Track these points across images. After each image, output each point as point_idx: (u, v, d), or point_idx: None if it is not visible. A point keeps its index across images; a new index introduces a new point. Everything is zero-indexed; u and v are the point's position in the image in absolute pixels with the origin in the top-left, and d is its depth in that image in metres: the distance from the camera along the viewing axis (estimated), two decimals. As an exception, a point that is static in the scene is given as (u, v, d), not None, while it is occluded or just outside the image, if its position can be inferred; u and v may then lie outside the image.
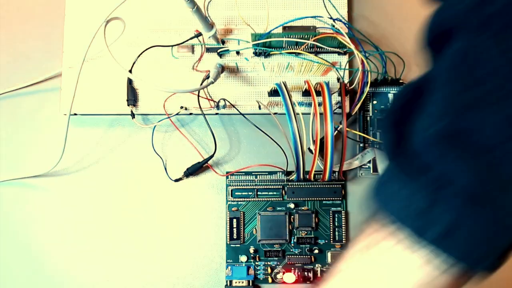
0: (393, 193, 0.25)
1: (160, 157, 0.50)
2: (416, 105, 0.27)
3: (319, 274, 0.47)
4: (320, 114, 0.43)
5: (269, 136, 0.47)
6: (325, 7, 0.49)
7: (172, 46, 0.50)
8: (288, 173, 0.48)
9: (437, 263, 0.24)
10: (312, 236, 0.48)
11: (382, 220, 0.26)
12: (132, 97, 0.49)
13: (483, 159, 0.23)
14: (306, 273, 0.47)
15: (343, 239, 0.48)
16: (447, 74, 0.25)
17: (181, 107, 0.49)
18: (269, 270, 0.47)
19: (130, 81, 0.50)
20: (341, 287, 0.27)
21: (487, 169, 0.23)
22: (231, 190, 0.49)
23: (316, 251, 0.48)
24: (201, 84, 0.48)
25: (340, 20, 0.48)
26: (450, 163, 0.24)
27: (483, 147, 0.23)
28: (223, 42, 0.50)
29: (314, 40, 0.47)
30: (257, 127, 0.48)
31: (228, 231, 0.48)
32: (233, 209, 0.48)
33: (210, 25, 0.47)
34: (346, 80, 0.49)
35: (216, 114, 0.50)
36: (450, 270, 0.24)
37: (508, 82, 0.23)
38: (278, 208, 0.48)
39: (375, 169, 0.48)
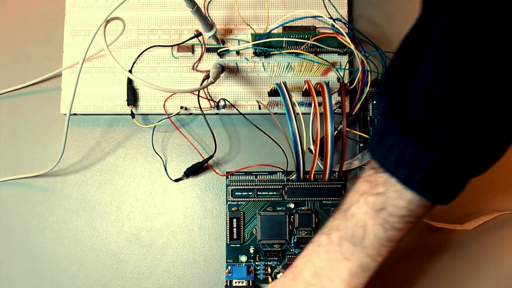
0: (388, 147, 0.32)
1: (160, 157, 0.50)
2: (409, 73, 0.32)
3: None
4: (320, 114, 0.43)
5: (269, 136, 0.47)
6: (325, 7, 0.49)
7: (172, 46, 0.50)
8: (288, 173, 0.48)
9: (416, 201, 0.32)
10: (312, 236, 0.48)
11: (377, 169, 0.33)
12: (132, 97, 0.49)
13: (459, 124, 0.30)
14: (306, 273, 0.47)
15: (343, 239, 0.48)
16: (438, 49, 0.30)
17: (181, 107, 0.49)
18: (269, 270, 0.47)
19: (130, 81, 0.50)
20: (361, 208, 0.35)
21: (461, 131, 0.30)
22: (231, 190, 0.49)
23: (316, 251, 0.48)
24: (201, 84, 0.48)
25: (340, 20, 0.48)
26: (434, 126, 0.30)
27: (459, 115, 0.30)
28: (223, 42, 0.50)
29: (314, 40, 0.47)
30: (257, 127, 0.48)
31: (228, 231, 0.48)
32: (233, 209, 0.48)
33: (210, 25, 0.47)
34: (346, 80, 0.49)
35: (216, 114, 0.50)
36: (423, 205, 0.33)
37: (483, 65, 0.29)
38: (278, 208, 0.48)
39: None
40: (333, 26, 0.47)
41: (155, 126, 0.50)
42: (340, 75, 0.49)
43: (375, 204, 0.33)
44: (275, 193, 0.49)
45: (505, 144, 0.32)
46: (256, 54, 0.49)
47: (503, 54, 0.29)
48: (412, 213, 0.33)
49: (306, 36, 0.46)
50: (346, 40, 0.46)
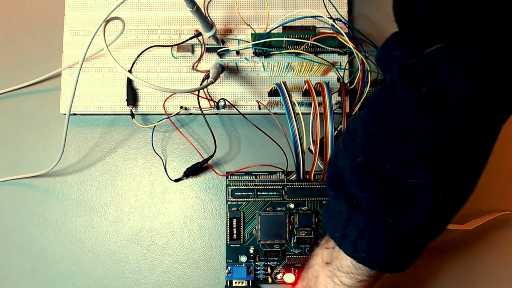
0: (329, 210, 0.34)
1: (160, 157, 0.50)
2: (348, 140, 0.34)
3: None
4: (320, 114, 0.43)
5: (269, 136, 0.47)
6: (325, 7, 0.49)
7: (172, 46, 0.50)
8: (288, 173, 0.48)
9: (352, 266, 0.32)
10: (312, 236, 0.48)
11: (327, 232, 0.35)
12: (132, 97, 0.49)
13: (380, 188, 0.30)
14: (306, 273, 0.47)
15: (343, 239, 0.48)
16: (366, 117, 0.32)
17: (181, 107, 0.49)
18: (269, 270, 0.47)
19: (130, 81, 0.50)
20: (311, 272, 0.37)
21: (381, 196, 0.30)
22: (231, 190, 0.49)
23: (316, 251, 0.48)
24: (201, 84, 0.48)
25: (340, 20, 0.48)
26: (359, 190, 0.31)
27: (382, 180, 0.30)
28: (223, 42, 0.50)
29: (314, 40, 0.46)
30: (257, 127, 0.48)
31: (228, 231, 0.48)
32: (233, 209, 0.48)
33: (210, 25, 0.47)
34: (346, 80, 0.49)
35: (216, 114, 0.50)
36: (360, 270, 0.32)
37: (406, 127, 0.29)
38: (278, 208, 0.48)
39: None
40: (333, 26, 0.47)
41: (154, 126, 0.50)
42: (340, 75, 0.49)
43: (327, 258, 0.35)
44: (275, 193, 0.48)
45: (439, 217, 0.32)
46: (256, 54, 0.49)
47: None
48: (360, 273, 0.33)
49: (306, 36, 0.46)
50: (346, 40, 0.46)
